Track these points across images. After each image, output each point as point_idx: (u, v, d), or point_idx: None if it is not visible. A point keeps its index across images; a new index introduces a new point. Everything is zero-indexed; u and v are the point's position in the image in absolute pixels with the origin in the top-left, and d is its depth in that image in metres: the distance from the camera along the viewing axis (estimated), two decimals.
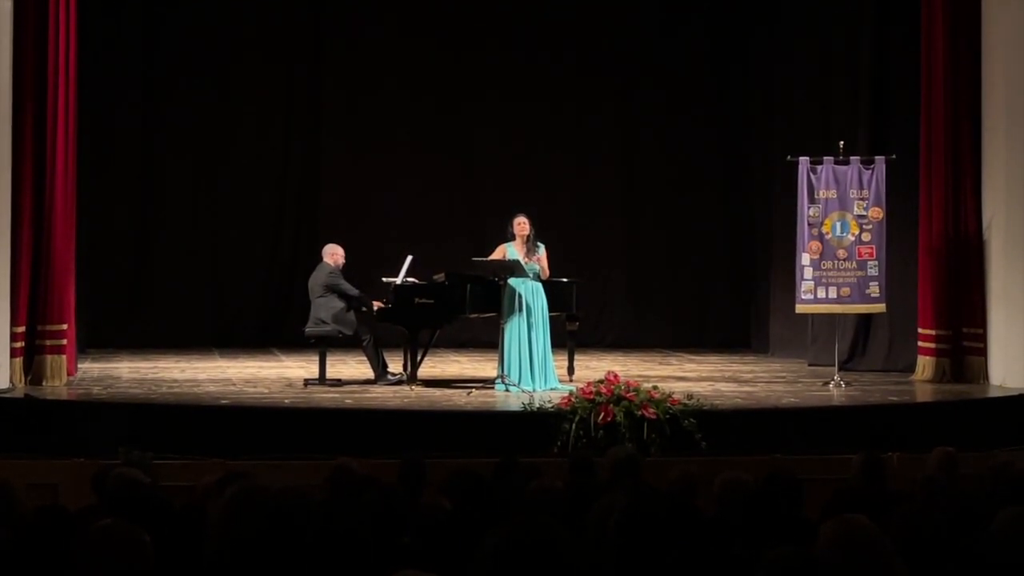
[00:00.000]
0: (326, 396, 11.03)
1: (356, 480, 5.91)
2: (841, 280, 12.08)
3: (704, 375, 13.05)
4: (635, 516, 3.99)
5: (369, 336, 11.71)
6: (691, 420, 9.74)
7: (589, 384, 10.02)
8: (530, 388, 11.15)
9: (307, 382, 11.72)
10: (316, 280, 11.90)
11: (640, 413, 9.70)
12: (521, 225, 11.56)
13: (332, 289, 11.77)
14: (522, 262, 11.46)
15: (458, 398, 10.92)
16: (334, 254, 11.99)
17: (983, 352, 12.21)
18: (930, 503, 5.29)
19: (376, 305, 11.69)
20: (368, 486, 5.51)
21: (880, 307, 12.25)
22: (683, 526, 4.07)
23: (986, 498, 5.39)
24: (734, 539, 4.50)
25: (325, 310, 11.76)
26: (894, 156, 12.24)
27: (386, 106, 15.75)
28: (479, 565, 3.05)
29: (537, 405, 9.97)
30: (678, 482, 5.80)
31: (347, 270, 12.23)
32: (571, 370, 11.89)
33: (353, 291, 11.81)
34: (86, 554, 3.89)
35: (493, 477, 6.16)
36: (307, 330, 11.85)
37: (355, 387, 11.59)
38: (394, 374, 11.72)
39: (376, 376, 11.69)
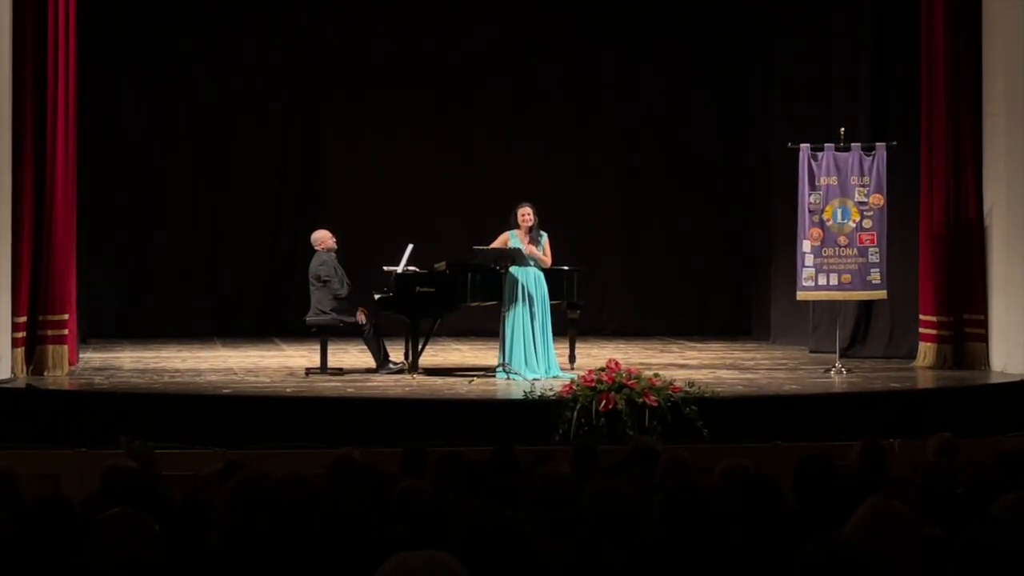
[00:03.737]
0: (328, 385, 11.04)
1: (357, 470, 5.92)
2: (842, 267, 12.09)
3: (705, 362, 13.06)
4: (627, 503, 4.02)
5: (369, 326, 11.72)
6: (693, 407, 9.75)
7: (591, 372, 10.03)
8: (532, 376, 11.16)
9: (309, 371, 11.74)
10: (311, 270, 11.93)
11: (641, 401, 9.71)
12: (525, 216, 11.55)
13: (324, 283, 11.78)
14: (524, 250, 11.46)
15: (460, 386, 10.93)
16: (323, 241, 11.99)
17: (984, 338, 12.22)
18: (930, 489, 5.29)
19: (361, 316, 11.66)
20: (369, 475, 5.53)
21: (881, 294, 12.25)
22: (682, 513, 4.09)
23: (986, 484, 5.39)
24: (733, 526, 4.50)
25: (325, 299, 11.77)
26: (895, 143, 12.24)
27: (386, 97, 15.75)
28: (450, 544, 3.15)
29: (539, 393, 9.98)
30: (668, 468, 5.79)
31: (348, 260, 12.25)
32: (572, 358, 11.90)
33: (340, 292, 11.77)
34: (95, 543, 3.90)
35: (489, 465, 6.16)
36: (308, 319, 11.86)
37: (357, 376, 11.60)
38: (395, 363, 11.73)
39: (378, 365, 11.70)
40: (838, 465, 5.52)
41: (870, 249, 12.03)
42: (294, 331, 13.49)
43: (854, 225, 12.06)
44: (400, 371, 11.57)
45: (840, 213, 12.09)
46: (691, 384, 10.10)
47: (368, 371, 11.77)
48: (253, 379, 11.43)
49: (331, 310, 11.76)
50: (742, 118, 15.98)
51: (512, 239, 11.58)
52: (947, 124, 12.28)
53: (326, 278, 11.78)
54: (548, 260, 11.63)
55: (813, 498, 5.11)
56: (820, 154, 12.16)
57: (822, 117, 13.84)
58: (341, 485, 5.43)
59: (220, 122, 15.66)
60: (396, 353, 11.93)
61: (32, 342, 11.37)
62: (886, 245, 12.05)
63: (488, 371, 11.62)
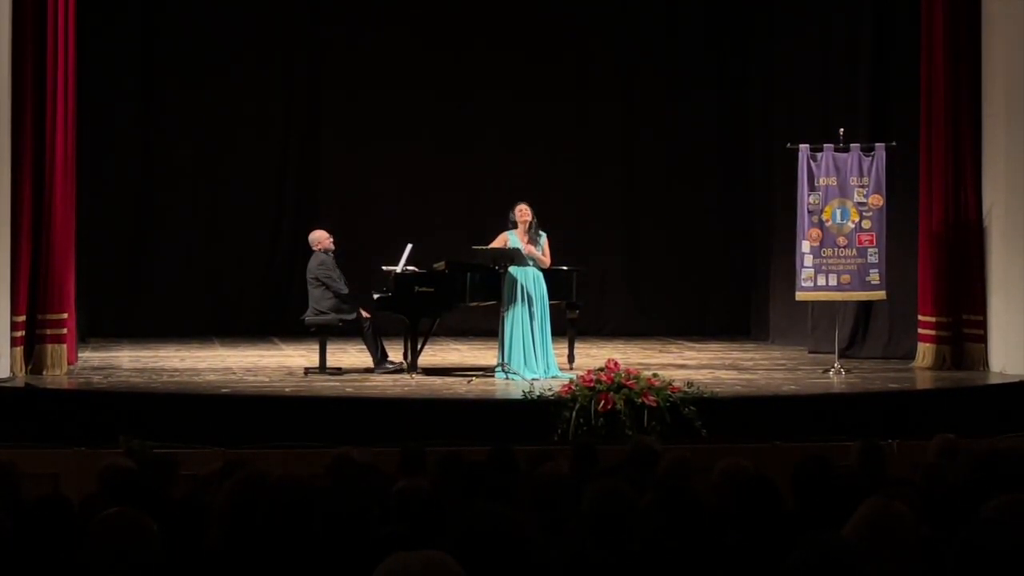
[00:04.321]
0: (326, 384, 11.04)
1: (356, 469, 5.92)
2: (841, 267, 12.09)
3: (704, 363, 13.06)
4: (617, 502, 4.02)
5: (368, 323, 11.71)
6: (691, 408, 9.75)
7: (589, 372, 10.03)
8: (530, 376, 11.16)
9: (307, 370, 11.74)
10: (310, 270, 11.94)
11: (640, 401, 9.71)
12: (523, 212, 11.57)
13: (322, 283, 11.79)
14: (523, 251, 11.46)
15: (459, 386, 10.93)
16: (320, 242, 12.00)
17: (983, 339, 12.22)
18: (929, 490, 5.30)
19: (364, 314, 11.70)
20: (368, 475, 5.53)
21: (880, 294, 12.25)
22: (680, 513, 4.10)
23: (975, 486, 5.40)
24: (730, 526, 4.51)
25: (324, 299, 11.78)
26: (894, 143, 12.23)
27: (386, 97, 15.75)
28: (448, 543, 3.17)
29: (537, 393, 9.97)
30: (671, 468, 5.80)
31: (348, 260, 12.24)
32: (571, 358, 11.90)
33: (341, 290, 11.80)
34: (93, 543, 3.91)
35: (488, 465, 6.17)
36: (307, 319, 11.86)
37: (355, 375, 11.60)
38: (393, 362, 11.73)
39: (375, 364, 11.70)
40: (836, 466, 5.52)
41: (869, 250, 12.03)
42: (293, 331, 13.49)
43: (853, 226, 12.06)
44: (397, 371, 11.57)
45: (839, 214, 12.09)
46: (690, 384, 10.10)
47: (367, 371, 11.76)
48: (252, 378, 11.43)
49: (329, 309, 11.77)
50: (741, 118, 15.99)
51: (511, 239, 11.58)
52: (946, 124, 12.28)
53: (325, 278, 11.79)
54: (547, 260, 11.63)
55: (811, 499, 5.12)
56: (819, 154, 12.16)
57: (821, 117, 13.84)
58: (340, 484, 5.43)
59: (220, 121, 15.66)
60: (395, 353, 11.93)
61: (31, 341, 11.36)
62: (885, 246, 12.05)
63: (487, 371, 11.62)
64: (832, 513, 4.50)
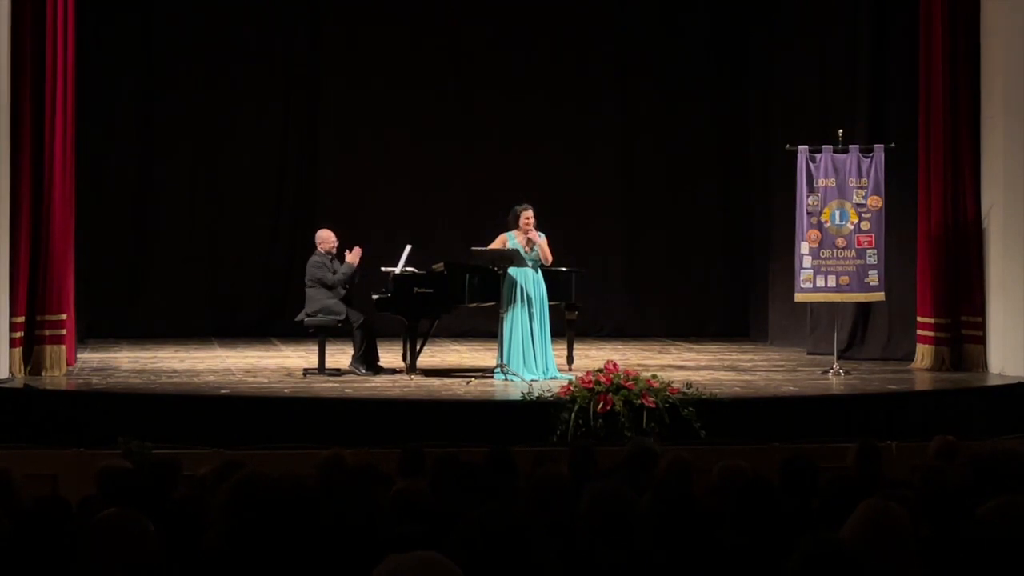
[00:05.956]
0: (325, 386, 11.04)
1: (348, 470, 5.91)
2: (840, 269, 12.09)
3: (703, 364, 13.06)
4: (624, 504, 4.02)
5: (361, 318, 11.68)
6: (690, 409, 9.75)
7: (588, 373, 10.02)
8: (529, 377, 11.15)
9: (306, 371, 11.74)
10: (306, 270, 11.93)
11: (639, 402, 9.71)
12: (528, 220, 11.53)
13: (317, 283, 11.79)
14: (522, 251, 11.46)
15: (457, 387, 10.93)
16: (323, 241, 11.99)
17: (982, 340, 12.22)
18: (927, 492, 5.30)
19: (356, 253, 11.66)
20: (362, 476, 5.52)
21: (879, 296, 12.26)
22: (678, 514, 4.10)
23: (973, 487, 5.40)
24: (729, 527, 4.51)
25: (315, 301, 11.78)
26: (893, 144, 12.24)
27: (384, 97, 15.76)
28: (454, 545, 3.17)
29: (536, 394, 9.97)
30: (671, 469, 5.80)
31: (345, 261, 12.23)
32: (570, 359, 11.89)
33: (330, 279, 11.77)
34: (91, 544, 3.90)
35: (486, 466, 6.17)
36: (305, 320, 11.85)
37: (354, 376, 11.60)
38: (366, 371, 11.66)
39: (352, 358, 11.68)
40: (827, 467, 5.53)
41: (868, 251, 12.03)
42: (292, 332, 13.48)
43: (852, 227, 12.06)
44: (366, 374, 11.51)
45: (838, 215, 12.09)
46: (689, 385, 10.09)
47: (366, 372, 11.74)
48: (251, 379, 11.42)
49: (316, 312, 11.72)
50: (740, 119, 15.99)
51: (510, 240, 11.58)
52: (945, 126, 12.29)
53: (317, 278, 11.77)
54: (548, 257, 11.61)
55: (799, 497, 5.13)
56: (818, 156, 12.16)
57: (820, 118, 13.84)
58: (331, 486, 5.42)
59: (218, 122, 15.66)
60: (394, 354, 11.93)
61: (30, 342, 11.36)
62: (884, 247, 12.05)
63: (486, 372, 11.62)
64: (830, 514, 4.51)
